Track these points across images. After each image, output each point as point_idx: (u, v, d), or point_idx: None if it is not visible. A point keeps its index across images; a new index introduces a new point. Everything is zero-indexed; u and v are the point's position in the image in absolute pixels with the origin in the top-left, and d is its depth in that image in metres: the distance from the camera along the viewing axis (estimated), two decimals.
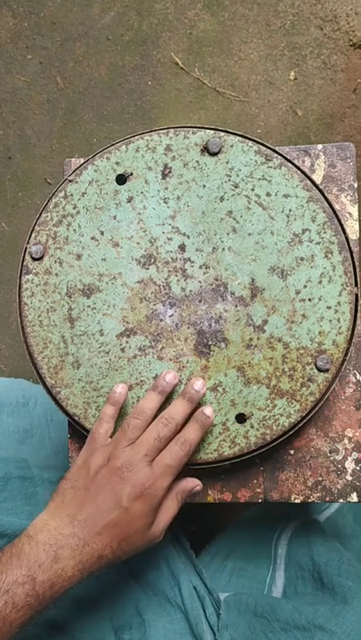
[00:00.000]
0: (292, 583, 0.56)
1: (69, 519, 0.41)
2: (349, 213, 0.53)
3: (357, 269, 0.49)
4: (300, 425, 0.49)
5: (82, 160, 0.55)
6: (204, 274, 0.50)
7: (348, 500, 0.52)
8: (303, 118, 1.07)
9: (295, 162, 0.49)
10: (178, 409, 0.47)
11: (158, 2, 1.09)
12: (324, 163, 0.53)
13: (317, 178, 0.53)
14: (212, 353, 0.50)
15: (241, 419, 0.49)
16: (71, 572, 0.39)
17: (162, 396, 0.48)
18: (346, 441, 0.53)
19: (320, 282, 0.48)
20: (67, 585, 0.40)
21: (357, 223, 0.53)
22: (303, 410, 0.48)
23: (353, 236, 0.52)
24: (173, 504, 0.46)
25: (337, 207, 0.53)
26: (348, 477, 0.52)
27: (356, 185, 0.53)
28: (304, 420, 0.49)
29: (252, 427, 0.49)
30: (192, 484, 0.48)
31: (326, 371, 0.48)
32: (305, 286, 0.48)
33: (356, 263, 0.49)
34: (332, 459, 0.53)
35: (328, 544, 0.57)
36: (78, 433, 0.53)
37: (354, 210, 0.53)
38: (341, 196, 0.53)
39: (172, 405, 0.47)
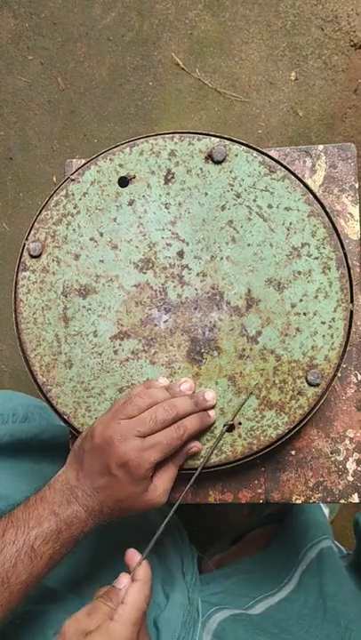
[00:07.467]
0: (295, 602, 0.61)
1: (75, 473, 0.47)
2: (350, 214, 0.53)
3: (353, 286, 0.49)
4: (287, 437, 0.49)
5: (83, 161, 0.54)
6: (201, 282, 0.50)
7: (350, 500, 0.52)
8: (304, 119, 1.06)
9: (296, 163, 0.49)
10: (182, 403, 0.47)
11: (159, 2, 1.07)
12: (326, 163, 0.53)
13: (318, 178, 0.53)
14: (204, 361, 0.50)
15: (229, 427, 0.49)
16: (84, 516, 0.45)
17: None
18: (347, 441, 0.53)
19: (316, 297, 0.48)
20: (82, 527, 0.45)
21: (358, 224, 0.53)
22: (291, 422, 0.49)
23: (354, 236, 0.52)
24: (170, 468, 0.48)
25: (338, 207, 0.53)
26: (350, 478, 0.53)
27: (357, 185, 0.53)
28: (291, 433, 0.50)
29: (239, 436, 0.49)
30: (187, 445, 0.49)
31: (317, 385, 0.48)
32: (301, 300, 0.48)
33: (354, 280, 0.49)
34: (333, 459, 0.53)
35: (337, 579, 0.62)
36: None
37: (355, 210, 0.53)
38: (342, 196, 0.53)
39: (178, 399, 0.48)
